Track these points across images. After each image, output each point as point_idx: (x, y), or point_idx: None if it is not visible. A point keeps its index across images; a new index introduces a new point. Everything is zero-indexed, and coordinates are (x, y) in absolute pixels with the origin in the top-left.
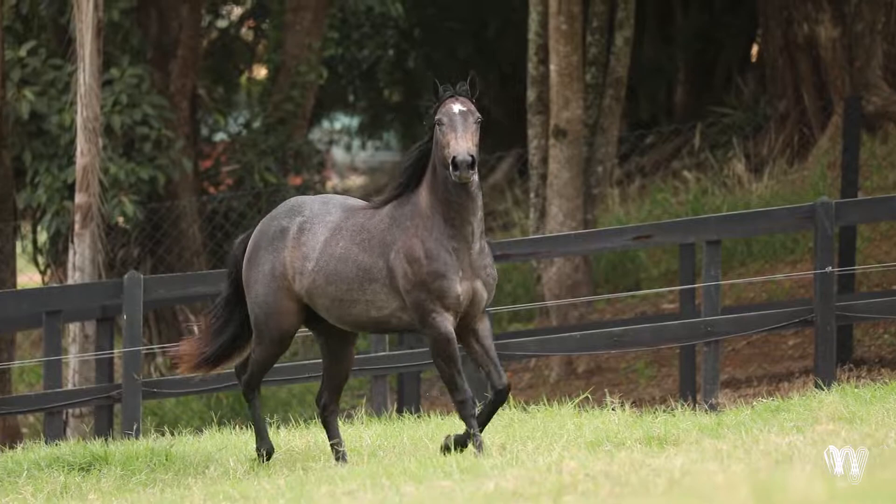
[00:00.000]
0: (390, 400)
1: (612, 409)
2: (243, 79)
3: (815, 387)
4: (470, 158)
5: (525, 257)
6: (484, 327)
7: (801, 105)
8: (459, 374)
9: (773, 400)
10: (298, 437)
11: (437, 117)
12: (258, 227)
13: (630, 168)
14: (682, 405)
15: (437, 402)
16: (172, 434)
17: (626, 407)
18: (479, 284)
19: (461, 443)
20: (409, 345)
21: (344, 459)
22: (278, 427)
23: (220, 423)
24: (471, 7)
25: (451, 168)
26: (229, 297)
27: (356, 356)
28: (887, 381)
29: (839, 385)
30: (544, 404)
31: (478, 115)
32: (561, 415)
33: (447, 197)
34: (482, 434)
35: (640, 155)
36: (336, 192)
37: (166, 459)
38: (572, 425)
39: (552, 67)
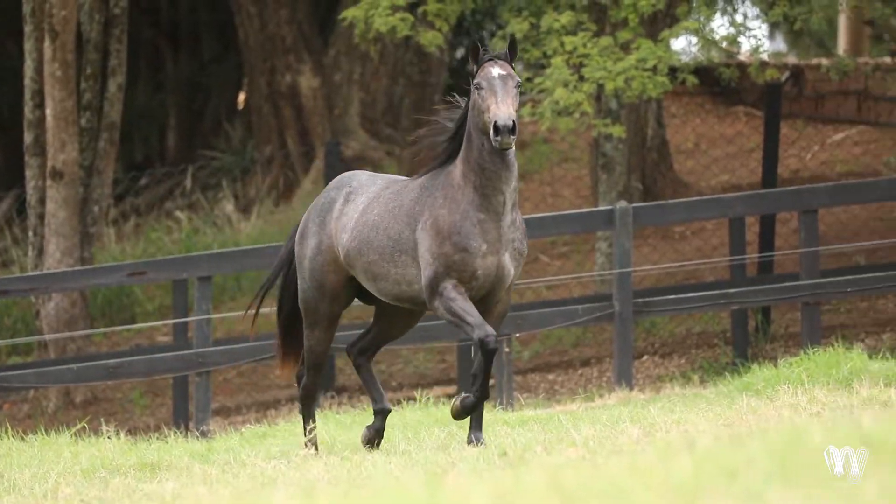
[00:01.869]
0: None
1: (108, 438)
2: None
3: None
4: (511, 123)
5: (24, 293)
6: (500, 310)
7: (286, 149)
8: (472, 319)
9: (260, 426)
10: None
11: (475, 81)
12: (311, 204)
13: (125, 208)
14: (175, 433)
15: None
16: None
17: (122, 435)
18: (506, 258)
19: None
20: None
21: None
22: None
23: None
24: None
25: (491, 133)
26: (284, 282)
27: None
28: (365, 407)
29: (322, 412)
30: (42, 434)
31: (518, 79)
32: (58, 444)
33: (481, 164)
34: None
35: (135, 195)
36: None
37: None
38: (69, 454)
39: (48, 112)
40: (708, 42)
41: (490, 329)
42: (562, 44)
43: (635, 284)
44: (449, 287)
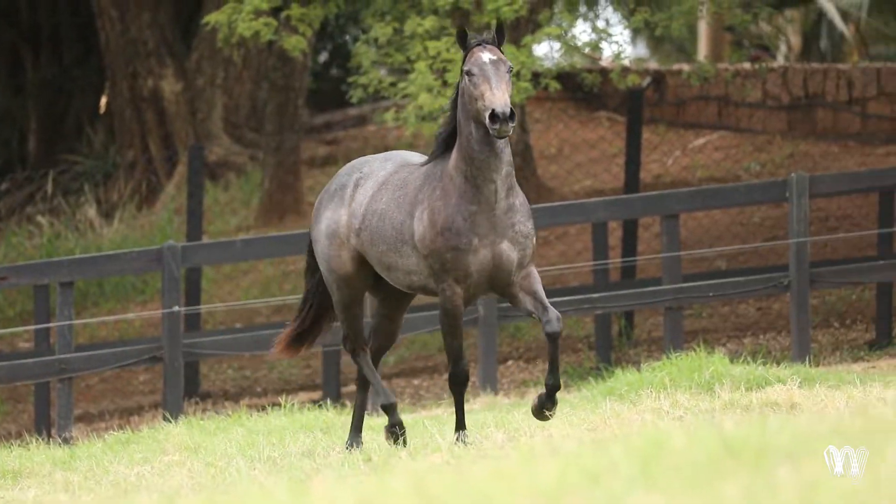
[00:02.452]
0: None
1: None
2: None
3: (164, 420)
4: (509, 110)
5: None
6: (531, 280)
7: (148, 154)
8: (459, 348)
9: (124, 433)
10: None
11: (466, 68)
12: (324, 188)
13: None
14: (37, 439)
15: None
16: None
17: None
18: (504, 246)
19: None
20: None
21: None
22: None
23: None
24: None
25: (487, 121)
26: (308, 262)
27: None
28: (230, 412)
29: (186, 418)
30: None
31: (510, 63)
32: None
33: (470, 154)
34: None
35: None
36: None
37: None
38: None
39: None
40: (570, 48)
41: (463, 373)
42: (425, 49)
43: None
44: (447, 290)
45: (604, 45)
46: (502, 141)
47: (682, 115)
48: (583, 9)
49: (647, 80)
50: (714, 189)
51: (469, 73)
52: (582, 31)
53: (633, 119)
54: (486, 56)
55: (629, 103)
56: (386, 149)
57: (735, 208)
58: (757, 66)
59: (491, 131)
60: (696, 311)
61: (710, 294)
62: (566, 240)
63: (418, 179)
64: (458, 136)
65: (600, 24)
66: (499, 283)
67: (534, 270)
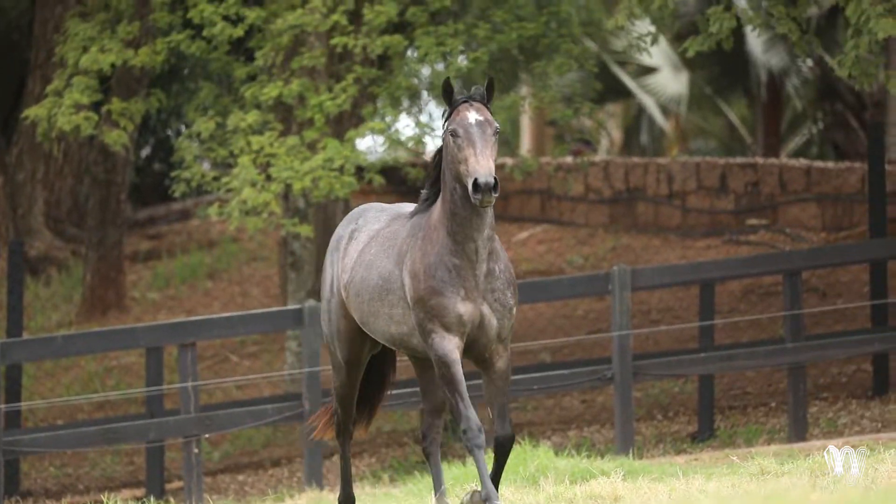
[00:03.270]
0: None
1: None
2: None
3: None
4: (493, 180)
5: None
6: (500, 366)
7: None
8: (462, 400)
9: None
10: None
11: (451, 127)
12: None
13: None
14: None
15: None
16: None
17: None
18: (486, 309)
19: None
20: None
21: None
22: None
23: None
24: None
25: (470, 189)
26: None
27: None
28: None
29: None
30: None
31: (496, 125)
32: None
33: (453, 210)
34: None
35: None
36: None
37: None
38: None
39: None
40: (394, 142)
41: (475, 425)
42: (249, 143)
43: (325, 383)
44: (437, 339)
45: (427, 139)
46: None
47: (505, 209)
48: (406, 103)
49: None
50: (538, 282)
51: (454, 134)
52: (406, 126)
53: None
54: (473, 116)
55: None
56: (210, 243)
57: (559, 301)
58: (579, 160)
59: (473, 200)
60: (521, 404)
61: (535, 387)
62: None
63: (406, 230)
64: (442, 188)
65: (424, 118)
66: (480, 343)
67: (506, 360)
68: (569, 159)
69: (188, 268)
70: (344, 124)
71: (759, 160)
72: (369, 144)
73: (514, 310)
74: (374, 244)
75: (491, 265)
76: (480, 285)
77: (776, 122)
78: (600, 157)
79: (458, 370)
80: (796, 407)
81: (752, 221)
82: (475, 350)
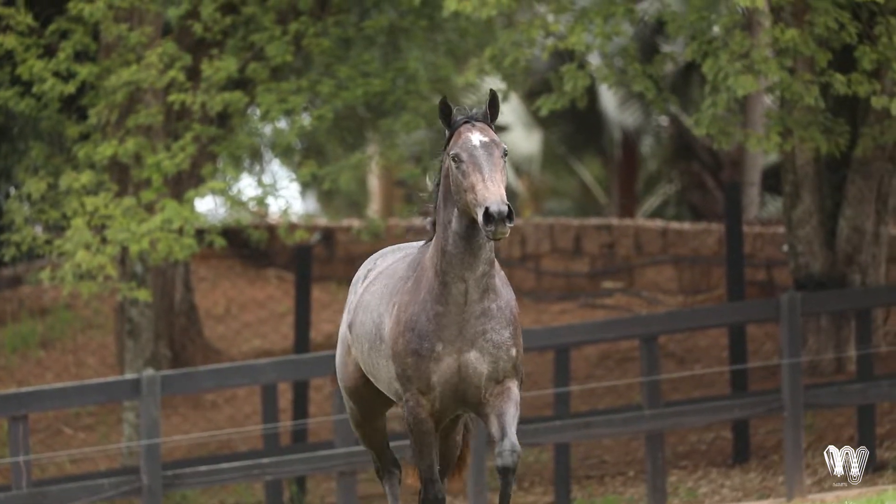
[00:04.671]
0: None
1: None
2: None
3: None
4: (507, 208)
5: None
6: (503, 398)
7: None
8: (430, 468)
9: None
10: None
11: (452, 152)
12: None
13: None
14: None
15: None
16: None
17: None
18: (471, 355)
19: None
20: None
21: None
22: None
23: None
24: None
25: (481, 220)
26: None
27: None
28: None
29: None
30: None
31: (504, 146)
32: None
33: (444, 246)
34: None
35: None
36: None
37: None
38: None
39: None
40: (235, 203)
41: (440, 496)
42: (82, 204)
43: (165, 456)
44: (410, 402)
45: (270, 199)
46: (483, 237)
47: (353, 272)
48: (248, 162)
49: (317, 235)
50: None
51: (457, 159)
52: (248, 185)
53: (302, 276)
54: (477, 138)
55: (297, 260)
56: (42, 311)
57: None
58: (427, 221)
59: (485, 233)
60: (370, 475)
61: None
62: (235, 402)
63: (402, 268)
64: (436, 221)
65: (266, 178)
66: (468, 397)
67: (513, 387)
68: (418, 220)
69: (19, 336)
70: (183, 184)
71: (615, 221)
72: (210, 205)
73: (515, 350)
74: (377, 282)
75: (487, 304)
76: (468, 331)
77: (631, 182)
78: None
79: (427, 436)
80: (654, 476)
81: (608, 284)
82: (467, 402)
